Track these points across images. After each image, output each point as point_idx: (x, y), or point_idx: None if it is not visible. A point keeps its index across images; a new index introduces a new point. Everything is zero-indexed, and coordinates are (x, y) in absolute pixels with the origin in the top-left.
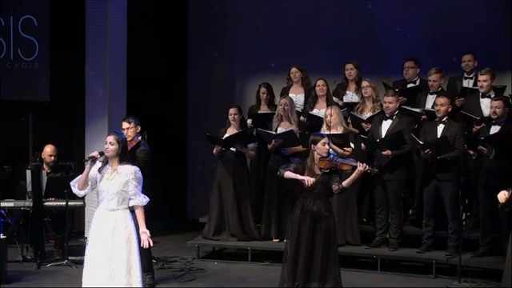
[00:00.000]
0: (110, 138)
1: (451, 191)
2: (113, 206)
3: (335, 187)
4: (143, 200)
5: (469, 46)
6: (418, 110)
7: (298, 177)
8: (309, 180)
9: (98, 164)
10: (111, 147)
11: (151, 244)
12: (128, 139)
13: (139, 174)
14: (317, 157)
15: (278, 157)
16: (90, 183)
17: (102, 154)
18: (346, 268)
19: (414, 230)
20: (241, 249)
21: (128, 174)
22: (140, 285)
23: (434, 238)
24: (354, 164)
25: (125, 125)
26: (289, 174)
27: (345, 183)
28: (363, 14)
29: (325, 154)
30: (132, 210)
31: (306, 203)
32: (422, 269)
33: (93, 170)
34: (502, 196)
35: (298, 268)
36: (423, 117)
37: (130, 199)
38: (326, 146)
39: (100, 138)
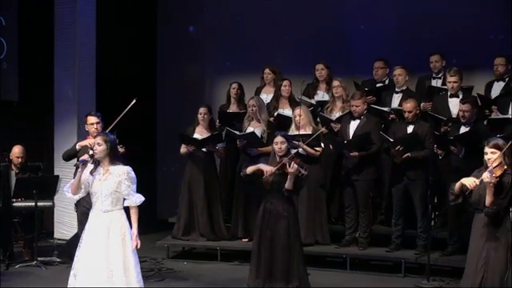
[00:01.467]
0: (98, 139)
1: (420, 190)
2: (107, 207)
3: (283, 188)
4: (137, 200)
5: (437, 47)
6: (386, 109)
7: (259, 166)
8: (266, 169)
9: (90, 166)
10: (99, 148)
11: (138, 246)
12: (94, 134)
13: (132, 174)
14: (277, 156)
15: (247, 157)
16: (83, 187)
17: (92, 156)
18: (316, 267)
19: (383, 229)
20: (210, 249)
21: (120, 175)
22: (138, 284)
23: (403, 237)
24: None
25: (93, 119)
26: (249, 168)
27: (286, 185)
28: (334, 13)
29: (280, 154)
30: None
31: (266, 203)
32: (391, 268)
33: (85, 173)
34: (472, 183)
35: (262, 266)
36: (391, 116)
37: (124, 199)
38: (279, 146)
39: (69, 138)
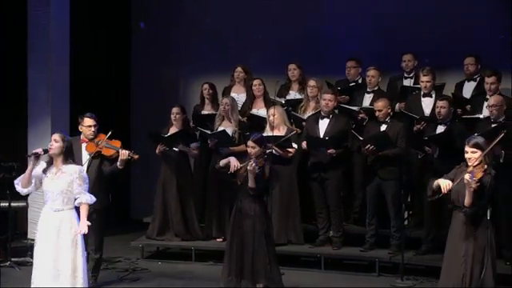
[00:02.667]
0: (55, 136)
1: (393, 190)
2: (58, 206)
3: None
4: (88, 198)
5: (410, 47)
6: (355, 108)
7: (229, 158)
8: (233, 166)
9: (43, 165)
10: (55, 144)
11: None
12: (91, 136)
13: (84, 174)
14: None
15: (218, 156)
16: (33, 182)
17: (46, 151)
18: (290, 267)
19: (356, 228)
20: (185, 248)
21: (72, 174)
22: (85, 285)
23: (377, 237)
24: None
25: (90, 121)
26: (222, 161)
27: (248, 183)
28: (307, 13)
29: (252, 156)
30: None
31: (237, 202)
32: (365, 267)
33: (37, 170)
34: (446, 186)
35: (232, 265)
36: (361, 115)
37: (75, 198)
38: (249, 149)
39: (43, 139)
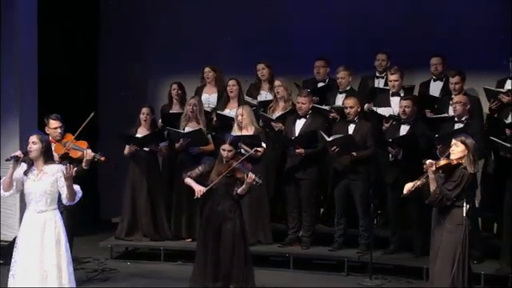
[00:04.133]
0: (33, 138)
1: (362, 189)
2: (41, 207)
3: (234, 192)
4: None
5: (380, 46)
6: (326, 107)
7: (193, 185)
8: (198, 191)
9: (24, 166)
10: (34, 146)
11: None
12: (58, 138)
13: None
14: (224, 160)
15: (185, 156)
16: (15, 184)
17: (25, 154)
18: (259, 267)
19: (325, 228)
20: (153, 249)
21: (55, 173)
22: (69, 284)
23: (346, 236)
24: (245, 173)
25: (56, 123)
26: (187, 181)
27: (239, 190)
28: (276, 12)
29: (226, 160)
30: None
31: (213, 204)
32: (334, 267)
33: (18, 172)
34: (407, 187)
35: (207, 267)
36: (332, 115)
37: (59, 198)
38: (225, 153)
39: (12, 139)
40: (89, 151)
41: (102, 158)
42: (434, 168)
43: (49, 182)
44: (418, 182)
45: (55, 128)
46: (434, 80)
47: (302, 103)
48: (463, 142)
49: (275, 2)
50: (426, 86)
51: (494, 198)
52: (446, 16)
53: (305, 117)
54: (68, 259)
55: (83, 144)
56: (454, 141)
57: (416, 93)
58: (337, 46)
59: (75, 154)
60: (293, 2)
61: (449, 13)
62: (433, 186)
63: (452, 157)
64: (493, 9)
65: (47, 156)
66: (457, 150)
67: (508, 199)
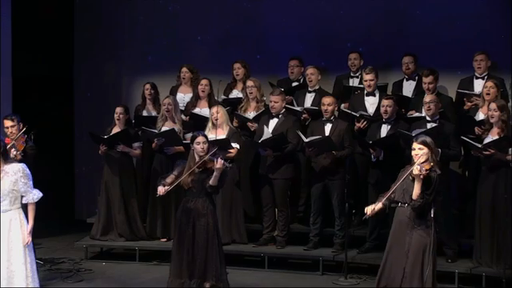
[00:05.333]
0: None
1: (338, 189)
2: (5, 206)
3: (207, 185)
4: (34, 197)
5: (355, 45)
6: (298, 108)
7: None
8: (160, 191)
9: None
10: None
11: (29, 243)
12: (12, 137)
13: (27, 171)
14: (196, 155)
15: (161, 156)
16: None
17: None
18: (234, 266)
19: (300, 227)
20: (128, 249)
21: (16, 173)
22: (35, 285)
23: (321, 236)
24: (214, 160)
25: (8, 123)
26: (160, 190)
27: (211, 181)
28: (251, 12)
29: (201, 153)
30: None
31: (186, 201)
32: (309, 266)
33: None
34: (369, 210)
35: (183, 265)
36: (304, 115)
37: (22, 197)
38: (201, 145)
39: None
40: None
41: (18, 157)
42: (424, 172)
43: (11, 181)
44: (380, 205)
45: (7, 128)
46: (407, 79)
47: (275, 102)
48: (426, 144)
49: (251, 1)
50: (398, 85)
51: (467, 197)
52: (419, 15)
53: (277, 116)
54: (33, 259)
55: (21, 147)
56: (415, 144)
57: (389, 92)
58: (312, 46)
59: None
60: (268, 1)
61: (422, 11)
62: (417, 191)
63: (420, 160)
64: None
65: (5, 156)
66: (421, 152)
67: (479, 199)
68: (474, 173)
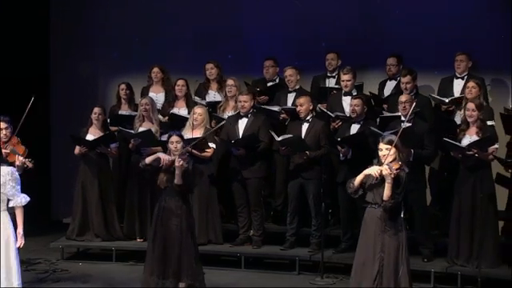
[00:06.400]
0: None
1: (314, 189)
2: None
3: (174, 185)
4: (22, 200)
5: (332, 46)
6: (276, 108)
7: (158, 154)
8: (164, 158)
9: None
10: None
11: (22, 245)
12: (4, 140)
13: (16, 175)
14: (172, 155)
15: (138, 156)
16: None
17: None
18: (210, 266)
19: (276, 227)
20: (105, 249)
21: (4, 176)
22: (19, 285)
23: (297, 235)
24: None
25: (2, 125)
26: (148, 158)
27: (175, 180)
28: (226, 12)
29: (175, 153)
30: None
31: (161, 201)
32: (285, 266)
33: None
34: (377, 171)
35: (156, 265)
36: (282, 115)
37: (9, 200)
38: (174, 145)
39: None
40: (20, 157)
41: (30, 165)
42: (395, 172)
43: None
44: (381, 169)
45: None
46: (390, 79)
47: (244, 101)
48: (391, 143)
49: (226, 1)
50: (383, 85)
51: (443, 197)
52: (397, 15)
53: (246, 116)
54: (18, 261)
55: (21, 150)
56: (382, 144)
57: (367, 91)
58: (288, 46)
59: (12, 158)
60: (244, 1)
61: (400, 12)
62: (388, 192)
63: (387, 160)
64: (443, 9)
65: None
66: (389, 153)
67: (458, 199)
68: (451, 173)
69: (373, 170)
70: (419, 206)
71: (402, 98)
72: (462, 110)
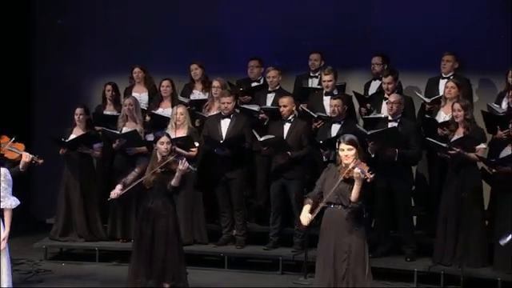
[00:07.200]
0: None
1: (297, 189)
2: None
3: (168, 186)
4: (12, 203)
5: (317, 46)
6: (255, 108)
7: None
8: (112, 195)
9: None
10: None
11: (2, 248)
12: None
13: (9, 176)
14: (159, 155)
15: (122, 157)
16: None
17: None
18: (194, 266)
19: (260, 227)
20: (88, 249)
21: None
22: (9, 285)
23: (281, 235)
24: (178, 163)
25: None
26: (112, 194)
27: (172, 182)
28: (210, 12)
29: (164, 153)
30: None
31: (146, 202)
32: (269, 265)
33: None
34: (305, 219)
35: (141, 265)
36: (261, 115)
37: None
38: (165, 146)
39: None
40: (27, 154)
41: (40, 161)
42: (370, 175)
43: None
44: (313, 216)
45: None
46: (374, 79)
47: (227, 102)
48: (354, 143)
49: (210, 1)
50: (368, 86)
51: (428, 197)
52: (382, 15)
53: (229, 117)
54: (8, 261)
55: (20, 146)
56: (343, 145)
57: (351, 91)
58: (273, 46)
59: (11, 155)
60: (228, 1)
61: (385, 12)
62: (357, 194)
63: (348, 161)
64: (428, 8)
65: None
66: (351, 153)
67: (445, 198)
68: (439, 173)
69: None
70: (404, 205)
71: (392, 98)
72: (444, 109)
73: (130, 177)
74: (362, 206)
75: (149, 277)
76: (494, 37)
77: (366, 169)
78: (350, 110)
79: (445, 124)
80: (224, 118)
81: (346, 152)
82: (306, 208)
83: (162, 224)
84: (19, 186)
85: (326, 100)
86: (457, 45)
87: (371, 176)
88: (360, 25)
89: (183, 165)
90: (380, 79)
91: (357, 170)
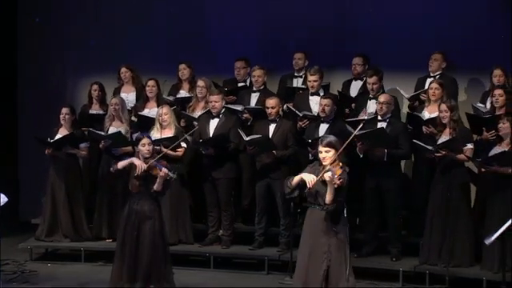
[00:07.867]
0: None
1: (282, 188)
2: None
3: (151, 189)
4: (1, 200)
5: (303, 46)
6: (239, 108)
7: (132, 159)
8: (139, 165)
9: None
10: None
11: None
12: None
13: None
14: (141, 157)
15: (109, 157)
16: None
17: None
18: (179, 266)
19: (245, 227)
20: (74, 249)
21: None
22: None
23: (266, 235)
24: (159, 169)
25: None
26: (121, 163)
27: (155, 187)
28: (198, 13)
29: (146, 155)
30: None
31: (131, 203)
32: (254, 265)
33: None
34: (312, 180)
35: (124, 268)
36: (245, 115)
37: None
38: (146, 147)
39: None
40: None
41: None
42: (339, 182)
43: None
44: (316, 179)
45: None
46: (355, 79)
47: (215, 102)
48: (331, 145)
49: (197, 1)
50: (347, 85)
51: (415, 198)
52: (369, 16)
53: (218, 116)
54: None
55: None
56: (321, 147)
57: (335, 91)
58: (260, 46)
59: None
60: (215, 1)
61: (372, 12)
62: (331, 197)
63: (326, 162)
64: (416, 8)
65: None
66: (328, 155)
67: (433, 199)
68: (426, 173)
69: (308, 178)
70: (393, 206)
71: (381, 98)
72: (428, 109)
73: (119, 164)
74: (340, 206)
75: (132, 281)
76: (494, 37)
77: (338, 172)
78: (337, 109)
79: (430, 121)
80: (214, 117)
81: (324, 154)
82: (296, 177)
83: (147, 227)
84: (5, 187)
85: (312, 100)
86: (454, 45)
87: (338, 182)
88: (348, 24)
89: (163, 172)
90: (361, 79)
91: (328, 173)
